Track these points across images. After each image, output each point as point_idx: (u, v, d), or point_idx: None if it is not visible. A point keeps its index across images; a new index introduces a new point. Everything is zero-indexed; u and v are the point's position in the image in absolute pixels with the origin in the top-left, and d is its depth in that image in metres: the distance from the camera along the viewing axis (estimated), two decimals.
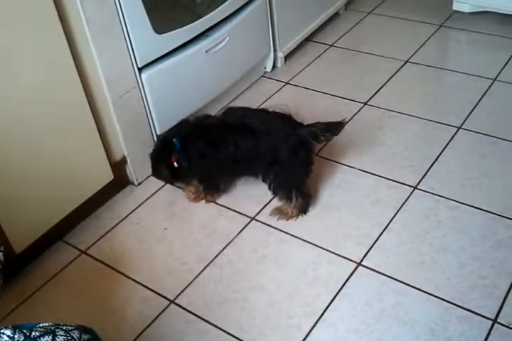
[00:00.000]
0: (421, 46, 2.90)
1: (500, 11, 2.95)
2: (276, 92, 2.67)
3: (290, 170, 1.94)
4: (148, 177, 2.25)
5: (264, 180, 1.99)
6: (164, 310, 1.77)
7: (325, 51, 2.95)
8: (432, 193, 2.06)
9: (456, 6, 3.07)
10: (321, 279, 1.81)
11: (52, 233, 1.96)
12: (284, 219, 2.02)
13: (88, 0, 1.76)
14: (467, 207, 2.00)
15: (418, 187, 2.10)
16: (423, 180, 2.12)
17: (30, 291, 1.87)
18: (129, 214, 2.12)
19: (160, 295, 1.82)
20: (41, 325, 1.11)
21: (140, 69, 2.05)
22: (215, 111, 2.43)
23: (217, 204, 2.12)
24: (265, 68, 2.82)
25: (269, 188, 1.99)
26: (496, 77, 2.61)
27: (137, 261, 1.94)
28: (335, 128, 1.92)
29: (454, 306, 1.69)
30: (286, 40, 2.82)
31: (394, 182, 2.13)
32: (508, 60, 2.71)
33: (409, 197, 2.06)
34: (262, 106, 2.49)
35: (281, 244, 1.95)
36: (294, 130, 1.91)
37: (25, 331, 1.07)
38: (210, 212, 2.09)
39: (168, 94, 2.19)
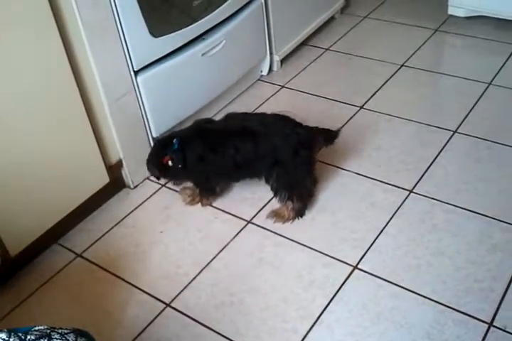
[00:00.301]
0: (416, 50, 2.91)
1: (495, 16, 2.96)
2: (272, 96, 2.67)
3: (292, 169, 1.94)
4: (144, 180, 2.25)
5: (267, 181, 1.99)
6: (160, 313, 1.77)
7: (321, 55, 2.96)
8: (428, 197, 2.07)
9: (451, 11, 3.08)
10: (317, 282, 1.81)
11: (48, 236, 1.95)
12: (280, 222, 2.02)
13: (84, 3, 1.76)
14: (463, 210, 2.00)
15: (414, 190, 2.10)
16: (419, 183, 2.13)
17: (26, 294, 1.86)
18: (125, 217, 2.11)
19: (156, 298, 1.81)
20: (36, 328, 1.10)
21: (136, 73, 2.05)
22: (211, 114, 2.44)
23: (213, 207, 2.12)
24: (261, 72, 2.82)
25: (272, 189, 1.99)
26: (491, 81, 2.62)
27: (133, 264, 1.93)
28: (329, 138, 1.98)
29: (450, 309, 1.69)
30: (283, 43, 2.82)
31: (390, 186, 2.13)
32: (503, 64, 2.73)
33: (405, 200, 2.06)
34: (260, 110, 2.49)
35: (277, 247, 1.95)
36: (294, 129, 1.92)
37: (20, 334, 1.07)
38: (206, 216, 2.09)
39: (165, 98, 2.19)
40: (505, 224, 1.93)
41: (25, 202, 1.82)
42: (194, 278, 1.87)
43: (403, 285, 1.77)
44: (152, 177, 2.22)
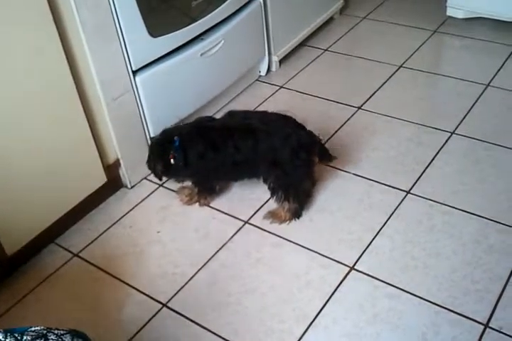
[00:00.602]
0: (415, 51, 2.91)
1: (493, 17, 2.97)
2: (270, 96, 2.67)
3: (290, 171, 1.93)
4: (141, 180, 2.25)
5: (265, 181, 1.99)
6: (157, 313, 1.77)
7: (319, 55, 2.96)
8: (425, 198, 2.07)
9: (450, 12, 3.08)
10: (314, 283, 1.81)
11: (45, 235, 1.95)
12: (277, 223, 2.02)
13: (83, 3, 1.76)
14: (460, 211, 2.00)
15: (411, 191, 2.10)
16: (416, 184, 2.13)
17: (22, 294, 1.86)
18: (122, 217, 2.11)
19: (152, 298, 1.81)
20: (33, 328, 1.11)
21: (134, 73, 2.05)
22: (209, 114, 2.43)
23: (210, 207, 2.12)
24: (260, 72, 2.82)
25: (269, 188, 1.99)
26: (490, 83, 2.62)
27: (130, 264, 1.93)
28: (325, 157, 2.02)
29: (446, 310, 1.69)
30: (281, 44, 2.82)
31: (387, 187, 2.13)
32: (502, 66, 2.73)
33: (402, 201, 2.07)
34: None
35: (274, 248, 1.95)
36: (295, 130, 1.92)
37: (16, 335, 1.07)
38: (204, 216, 2.09)
39: (163, 97, 2.19)
40: (502, 226, 1.94)
41: (23, 202, 1.82)
42: (191, 278, 1.87)
43: (400, 286, 1.78)
44: (152, 177, 2.22)
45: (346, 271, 1.84)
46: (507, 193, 2.06)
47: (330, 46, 3.02)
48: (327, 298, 1.76)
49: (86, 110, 1.92)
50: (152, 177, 2.24)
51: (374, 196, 2.10)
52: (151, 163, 2.01)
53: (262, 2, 2.57)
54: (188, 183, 2.15)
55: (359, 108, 2.55)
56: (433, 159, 2.23)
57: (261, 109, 2.53)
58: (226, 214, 2.09)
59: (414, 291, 1.76)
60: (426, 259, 1.85)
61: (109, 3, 1.85)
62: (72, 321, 1.74)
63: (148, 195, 2.20)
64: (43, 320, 1.75)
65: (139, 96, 2.10)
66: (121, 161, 2.14)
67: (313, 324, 1.70)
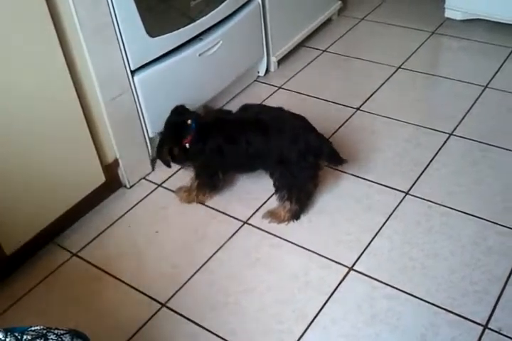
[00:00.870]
0: (413, 53, 2.92)
1: (492, 19, 2.97)
2: (269, 97, 2.67)
3: (295, 171, 1.93)
4: (140, 180, 2.25)
5: (271, 176, 2.00)
6: (155, 313, 1.77)
7: (318, 56, 2.96)
8: (424, 199, 2.07)
9: (448, 14, 3.09)
10: (313, 283, 1.81)
11: (44, 235, 1.95)
12: (275, 223, 2.02)
13: (81, 2, 1.75)
14: (458, 212, 2.01)
15: (410, 192, 2.10)
16: (414, 185, 2.13)
17: (21, 293, 1.85)
18: (121, 217, 2.11)
19: (151, 298, 1.81)
20: (33, 328, 1.10)
21: (133, 72, 2.05)
22: None
23: (209, 207, 2.12)
24: (258, 72, 2.82)
25: (274, 185, 1.99)
26: (488, 84, 2.63)
27: (129, 263, 1.93)
28: (334, 160, 1.99)
29: (445, 311, 1.69)
30: (280, 44, 2.82)
31: (386, 188, 2.13)
32: (500, 68, 2.74)
33: (400, 202, 2.07)
34: None
35: (273, 248, 1.95)
36: (305, 132, 1.92)
37: (16, 334, 1.07)
38: (202, 216, 2.09)
39: (161, 97, 2.19)
40: (501, 227, 1.94)
41: (21, 201, 1.82)
42: (190, 278, 1.87)
43: (398, 287, 1.78)
44: (150, 177, 2.23)
45: (345, 272, 1.84)
46: (505, 194, 2.06)
47: (328, 47, 3.03)
48: (326, 299, 1.76)
49: (84, 110, 1.91)
50: (151, 177, 2.26)
51: (372, 197, 2.10)
52: (164, 149, 2.00)
53: (260, 3, 2.57)
54: (185, 183, 2.15)
55: (357, 109, 2.56)
56: (431, 160, 2.24)
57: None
58: (225, 214, 2.09)
59: (413, 292, 1.76)
60: (424, 260, 1.85)
61: (108, 3, 1.85)
62: (70, 321, 1.74)
63: (146, 195, 2.19)
64: (42, 319, 1.75)
65: (138, 96, 2.10)
66: (119, 161, 2.14)
67: (312, 324, 1.70)
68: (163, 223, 2.07)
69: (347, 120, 2.49)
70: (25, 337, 1.07)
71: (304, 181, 1.97)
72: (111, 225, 2.08)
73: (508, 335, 1.62)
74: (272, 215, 2.04)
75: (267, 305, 1.76)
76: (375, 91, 2.66)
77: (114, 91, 2.00)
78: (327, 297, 1.77)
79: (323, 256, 1.90)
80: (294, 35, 2.92)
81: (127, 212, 2.13)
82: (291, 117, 1.99)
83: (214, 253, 1.94)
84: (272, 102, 2.61)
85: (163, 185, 2.23)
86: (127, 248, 1.99)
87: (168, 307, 1.78)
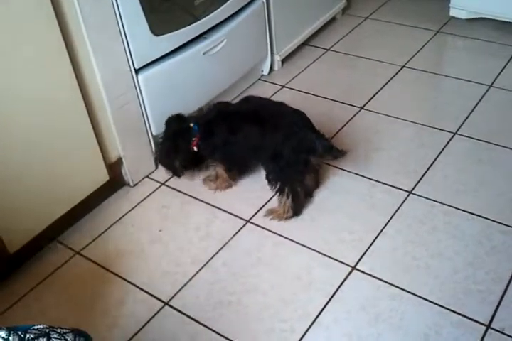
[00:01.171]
0: (418, 51, 2.91)
1: (496, 18, 2.96)
2: (272, 95, 2.67)
3: (286, 166, 1.93)
4: (143, 178, 2.25)
5: (264, 169, 2.01)
6: (158, 312, 1.77)
7: (322, 55, 2.96)
8: (427, 198, 2.07)
9: (453, 12, 3.08)
10: (316, 283, 1.81)
11: (47, 233, 1.95)
12: (276, 220, 2.02)
13: (86, 1, 1.76)
14: (462, 212, 2.00)
15: (413, 191, 2.10)
16: (418, 184, 2.13)
17: (24, 291, 1.86)
18: (124, 215, 2.11)
19: (154, 296, 1.81)
20: (36, 327, 1.10)
21: (137, 71, 2.05)
22: None
23: (212, 206, 2.12)
24: (262, 71, 2.82)
25: (266, 177, 2.00)
26: (492, 83, 2.62)
27: (131, 262, 1.93)
28: (334, 153, 1.96)
29: (448, 311, 1.69)
30: (284, 43, 2.82)
31: (389, 187, 2.13)
32: (504, 67, 2.73)
33: (404, 201, 2.06)
34: None
35: (276, 247, 1.95)
36: (301, 128, 1.92)
37: (19, 333, 1.07)
38: (205, 214, 2.09)
39: (165, 96, 2.19)
40: (505, 227, 1.93)
41: (25, 199, 1.82)
42: (192, 276, 1.87)
43: (401, 287, 1.77)
44: (154, 176, 2.23)
45: (348, 271, 1.84)
46: (509, 194, 2.05)
47: (332, 46, 3.02)
48: (329, 298, 1.76)
49: (89, 108, 1.92)
50: (154, 175, 2.26)
51: (376, 196, 2.10)
52: (169, 159, 2.06)
53: (264, 1, 2.57)
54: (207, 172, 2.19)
55: (361, 108, 2.55)
56: (435, 159, 2.23)
57: None
58: (228, 212, 2.09)
59: (416, 292, 1.75)
60: (428, 260, 1.85)
61: (112, 2, 1.85)
62: (73, 318, 1.74)
63: (150, 194, 2.20)
64: (45, 317, 1.75)
65: (142, 95, 2.10)
66: (123, 159, 2.14)
67: (315, 324, 1.70)
68: (167, 221, 2.07)
69: (351, 119, 2.49)
70: (28, 335, 1.07)
71: (293, 176, 1.96)
72: (114, 223, 2.08)
73: (511, 335, 1.61)
74: (272, 213, 2.04)
75: (269, 304, 1.76)
76: (379, 90, 2.65)
77: (118, 90, 2.00)
78: (330, 296, 1.77)
79: (326, 255, 1.90)
80: (298, 34, 2.92)
81: (130, 210, 2.13)
82: (290, 112, 1.99)
83: (217, 252, 1.94)
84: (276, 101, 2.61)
85: (167, 183, 2.23)
86: (130, 246, 1.99)
87: (170, 306, 1.78)
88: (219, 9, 2.28)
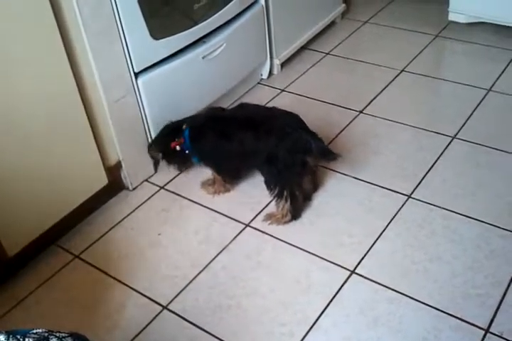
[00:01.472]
0: (416, 56, 2.92)
1: (495, 22, 2.97)
2: (271, 99, 2.68)
3: (283, 168, 1.93)
4: (142, 182, 2.25)
5: (261, 174, 2.02)
6: (157, 316, 1.77)
7: (321, 59, 2.96)
8: (426, 202, 2.07)
9: (452, 17, 3.09)
10: (315, 286, 1.81)
11: (46, 237, 1.95)
12: (275, 224, 2.02)
13: (85, 4, 1.76)
14: (461, 216, 2.00)
15: (412, 195, 2.10)
16: (417, 188, 2.13)
17: (23, 295, 1.86)
18: (123, 219, 2.11)
19: (153, 300, 1.81)
20: (35, 331, 1.10)
21: (136, 75, 2.05)
22: None
23: (211, 210, 2.12)
24: (261, 75, 2.82)
25: (264, 182, 2.00)
26: (491, 88, 2.63)
27: (130, 266, 1.93)
28: (328, 155, 1.95)
29: (447, 315, 1.69)
30: (283, 47, 2.83)
31: (388, 191, 2.13)
32: (503, 71, 2.73)
33: (403, 205, 2.07)
34: None
35: (275, 251, 1.95)
36: (295, 130, 1.92)
37: (18, 337, 1.07)
38: (205, 218, 2.09)
39: (164, 100, 2.19)
40: (503, 231, 1.94)
41: (24, 203, 1.82)
42: (191, 280, 1.87)
43: (400, 290, 1.77)
44: (153, 180, 2.23)
45: (347, 275, 1.84)
46: (508, 198, 2.06)
47: (331, 50, 3.03)
48: (328, 302, 1.76)
49: (88, 111, 1.92)
50: (153, 179, 2.27)
51: (375, 200, 2.10)
52: (153, 147, 2.13)
53: (264, 5, 2.57)
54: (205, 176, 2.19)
55: (360, 112, 2.56)
56: (434, 163, 2.23)
57: None
58: (227, 216, 2.09)
59: (415, 295, 1.75)
60: (426, 264, 1.85)
61: (112, 6, 1.86)
62: (72, 323, 1.74)
63: (149, 197, 2.20)
64: (44, 321, 1.75)
65: (141, 98, 2.10)
66: (122, 163, 2.15)
67: (314, 327, 1.70)
68: (166, 225, 2.08)
69: (349, 123, 2.49)
70: (27, 339, 1.07)
71: (291, 178, 1.96)
72: (113, 227, 2.08)
73: (510, 339, 1.61)
74: (271, 217, 2.04)
75: (268, 308, 1.76)
76: (377, 94, 2.66)
77: (118, 94, 2.00)
78: (329, 300, 1.77)
79: (324, 259, 1.90)
80: (297, 38, 2.92)
81: (130, 214, 2.13)
82: (283, 114, 2.00)
83: (216, 256, 1.94)
84: (275, 105, 2.59)
85: (166, 187, 2.24)
86: (129, 250, 1.99)
87: (169, 310, 1.78)
88: (218, 13, 2.29)
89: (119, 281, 1.88)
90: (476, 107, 2.51)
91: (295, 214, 2.02)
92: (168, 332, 1.72)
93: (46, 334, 1.10)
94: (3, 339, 1.05)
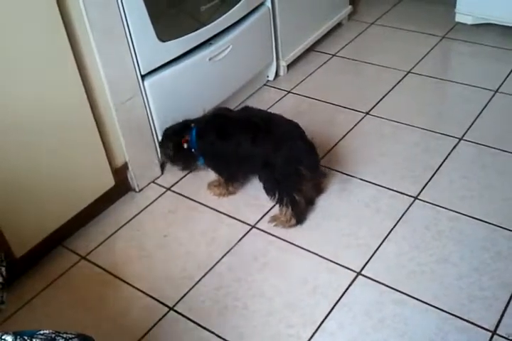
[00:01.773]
0: (423, 57, 2.91)
1: (502, 23, 2.96)
2: (278, 101, 2.68)
3: (280, 177, 1.94)
4: (149, 183, 2.26)
5: (259, 180, 2.02)
6: (163, 317, 1.77)
7: (327, 61, 2.96)
8: (433, 204, 2.07)
9: (458, 18, 3.08)
10: (321, 288, 1.81)
11: (53, 238, 1.96)
12: (280, 227, 2.02)
13: (92, 6, 1.77)
14: (467, 217, 2.00)
15: (419, 197, 2.10)
16: (424, 190, 2.13)
17: (30, 296, 1.86)
18: (130, 220, 2.12)
19: (159, 301, 1.82)
20: (41, 332, 1.11)
21: (143, 77, 2.06)
22: None
23: (217, 211, 2.12)
24: (268, 77, 2.82)
25: (263, 188, 2.00)
26: (498, 89, 2.62)
27: (137, 267, 1.94)
28: (314, 171, 1.96)
29: (453, 317, 1.69)
30: (289, 49, 2.83)
31: (394, 192, 2.13)
32: (510, 72, 2.73)
33: (409, 207, 2.06)
34: None
35: (281, 253, 1.95)
36: (293, 139, 1.92)
37: (25, 338, 1.07)
38: (211, 220, 2.09)
39: (171, 101, 2.19)
40: (510, 232, 1.93)
41: (31, 204, 1.83)
42: (198, 281, 1.87)
43: (406, 292, 1.77)
44: (160, 181, 2.24)
45: (353, 277, 1.84)
46: None
47: (338, 51, 3.03)
48: (334, 303, 1.76)
49: (95, 113, 1.93)
50: (160, 180, 2.27)
51: (381, 201, 2.10)
52: (165, 143, 2.13)
53: (270, 7, 2.58)
54: (212, 177, 2.20)
55: (367, 113, 2.55)
56: (441, 165, 2.23)
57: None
58: (233, 218, 2.09)
59: (421, 297, 1.75)
60: (433, 265, 1.85)
61: (119, 8, 1.86)
62: (78, 324, 1.75)
63: (155, 199, 2.20)
64: (50, 322, 1.76)
65: (148, 100, 2.11)
66: (129, 165, 2.15)
67: (320, 329, 1.70)
68: (172, 227, 2.08)
69: (356, 124, 2.49)
70: (34, 340, 1.08)
71: (290, 186, 1.96)
72: (120, 229, 2.09)
73: None
74: (276, 219, 2.04)
75: (275, 310, 1.76)
76: (384, 96, 2.65)
77: (124, 96, 2.01)
78: (335, 302, 1.77)
79: (331, 260, 1.90)
80: (303, 40, 2.92)
81: (136, 215, 2.14)
82: (284, 123, 1.99)
83: (222, 257, 1.94)
84: (281, 106, 2.62)
85: (172, 188, 2.24)
86: (136, 251, 2.00)
87: (175, 311, 1.78)
88: (225, 15, 2.29)
89: (126, 282, 1.89)
90: (483, 109, 2.51)
91: (299, 218, 2.02)
92: (174, 333, 1.72)
93: (53, 335, 1.10)
94: (10, 340, 1.06)
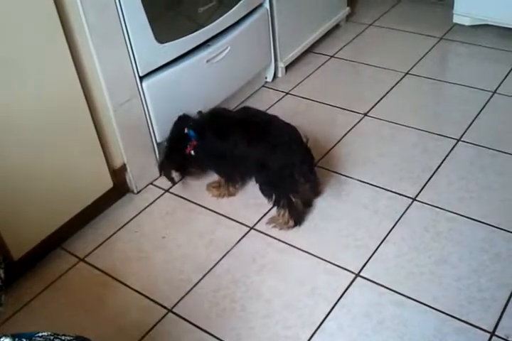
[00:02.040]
0: (421, 58, 2.91)
1: (500, 25, 2.97)
2: (276, 102, 2.68)
3: (275, 180, 1.94)
4: (147, 185, 2.26)
5: (256, 181, 2.03)
6: (162, 319, 1.77)
7: (326, 62, 2.96)
8: (431, 205, 2.07)
9: (456, 19, 3.08)
10: (320, 289, 1.81)
11: (51, 240, 1.96)
12: (279, 228, 2.02)
13: (91, 8, 1.77)
14: (466, 219, 2.00)
15: (417, 198, 2.10)
16: (422, 191, 2.13)
17: (28, 298, 1.86)
18: (128, 222, 2.12)
19: (157, 303, 1.81)
20: (40, 334, 1.10)
21: (141, 78, 2.05)
22: None
23: (216, 213, 2.12)
24: (266, 78, 2.83)
25: (259, 189, 2.01)
26: (496, 90, 2.62)
27: (135, 269, 1.94)
28: (307, 176, 1.95)
29: (452, 318, 1.69)
30: (287, 50, 2.83)
31: (393, 194, 2.13)
32: (508, 73, 2.73)
33: (408, 208, 2.06)
34: None
35: (279, 254, 1.95)
36: (290, 144, 1.92)
37: (24, 340, 1.07)
38: (209, 221, 2.09)
39: (169, 103, 2.19)
40: (509, 233, 1.93)
41: (29, 206, 1.83)
42: (196, 283, 1.87)
43: (405, 294, 1.77)
44: (158, 183, 2.24)
45: (352, 278, 1.84)
46: None
47: (336, 53, 3.03)
48: (332, 305, 1.76)
49: (93, 115, 1.93)
50: (158, 182, 2.27)
51: (380, 203, 2.10)
52: (167, 164, 2.14)
53: (268, 9, 2.58)
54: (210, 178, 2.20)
55: (365, 114, 2.55)
56: (439, 166, 2.23)
57: None
58: (231, 219, 2.09)
59: (420, 299, 1.75)
60: (432, 267, 1.85)
61: (117, 10, 1.86)
62: (77, 325, 1.74)
63: (154, 200, 2.20)
64: (48, 324, 1.75)
65: (146, 102, 2.10)
66: (127, 166, 2.15)
67: (319, 330, 1.69)
68: (170, 228, 2.08)
69: (354, 126, 2.49)
70: None
71: (285, 188, 1.96)
72: (118, 230, 2.08)
73: None
74: (274, 221, 2.04)
75: (273, 311, 1.76)
76: (382, 97, 2.65)
77: (123, 97, 2.01)
78: (334, 303, 1.77)
79: (329, 262, 1.90)
80: (301, 41, 2.93)
81: (134, 217, 2.14)
82: (282, 125, 1.99)
83: (220, 259, 1.94)
84: (280, 108, 2.62)
85: (171, 190, 2.24)
86: (134, 253, 1.99)
87: (174, 313, 1.78)
88: (223, 17, 2.29)
89: (124, 284, 1.88)
90: (481, 110, 2.51)
91: (297, 220, 2.02)
92: (172, 335, 1.72)
93: (51, 338, 1.10)
94: None
